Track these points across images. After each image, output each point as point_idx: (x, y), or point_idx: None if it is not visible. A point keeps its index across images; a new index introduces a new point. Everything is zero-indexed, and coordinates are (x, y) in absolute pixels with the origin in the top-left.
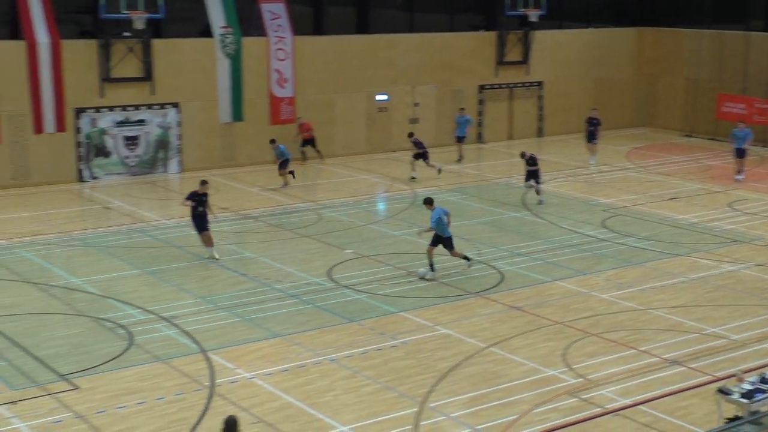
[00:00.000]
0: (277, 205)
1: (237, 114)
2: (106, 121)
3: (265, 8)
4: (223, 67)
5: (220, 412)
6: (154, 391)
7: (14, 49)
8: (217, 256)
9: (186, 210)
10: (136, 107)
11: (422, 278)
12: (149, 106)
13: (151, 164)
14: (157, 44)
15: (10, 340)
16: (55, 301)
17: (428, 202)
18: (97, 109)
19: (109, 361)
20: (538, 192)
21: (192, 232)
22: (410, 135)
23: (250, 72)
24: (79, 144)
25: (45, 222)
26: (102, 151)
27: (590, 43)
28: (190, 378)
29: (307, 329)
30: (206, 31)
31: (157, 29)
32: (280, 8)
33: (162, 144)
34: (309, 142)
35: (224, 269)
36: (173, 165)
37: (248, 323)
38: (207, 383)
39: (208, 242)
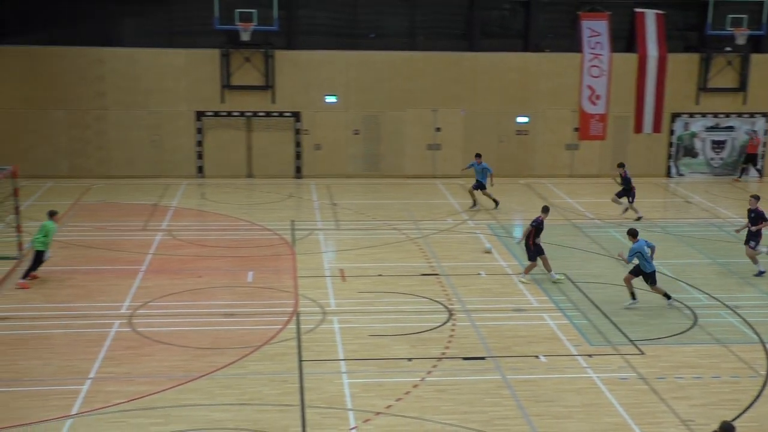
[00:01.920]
0: None
1: None
2: (697, 125)
3: None
4: None
5: None
6: (710, 369)
7: (627, 60)
8: (561, 278)
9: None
10: (727, 115)
11: (627, 308)
12: (739, 115)
13: (733, 167)
14: (755, 59)
15: (593, 303)
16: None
17: (632, 234)
18: (691, 115)
19: (674, 335)
20: None
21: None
22: (620, 165)
23: None
24: (670, 144)
25: None
26: (690, 152)
27: None
28: (746, 364)
29: None
30: None
31: (756, 44)
32: None
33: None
34: (750, 158)
35: None
36: (751, 170)
37: None
38: (763, 372)
39: (546, 266)
